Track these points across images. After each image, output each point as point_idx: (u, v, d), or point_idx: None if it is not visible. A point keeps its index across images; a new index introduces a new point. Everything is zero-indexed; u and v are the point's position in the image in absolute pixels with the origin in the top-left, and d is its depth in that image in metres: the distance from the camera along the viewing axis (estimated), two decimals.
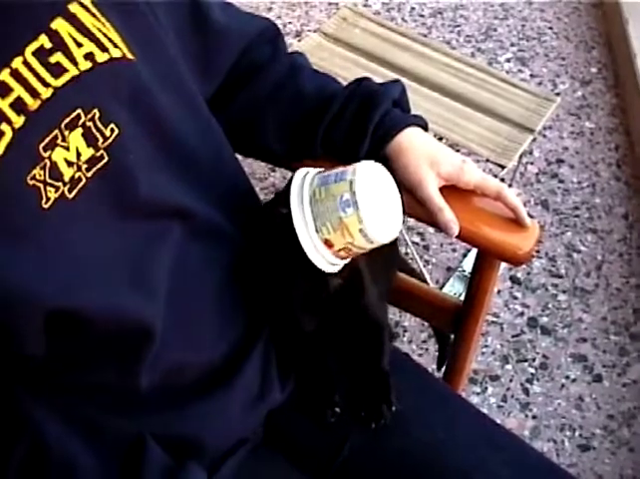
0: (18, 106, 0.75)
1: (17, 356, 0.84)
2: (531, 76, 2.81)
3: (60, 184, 0.78)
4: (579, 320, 2.11)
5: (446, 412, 1.10)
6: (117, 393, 0.91)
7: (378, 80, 1.13)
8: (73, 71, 0.80)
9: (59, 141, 0.78)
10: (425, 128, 1.09)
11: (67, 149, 0.79)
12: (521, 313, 2.13)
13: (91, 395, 0.91)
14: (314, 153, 1.09)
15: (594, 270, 2.23)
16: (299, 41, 2.66)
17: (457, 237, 1.06)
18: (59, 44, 0.79)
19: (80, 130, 0.80)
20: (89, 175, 0.81)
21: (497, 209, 1.07)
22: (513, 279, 2.19)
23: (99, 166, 0.82)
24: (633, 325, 2.10)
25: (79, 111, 0.80)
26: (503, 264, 1.11)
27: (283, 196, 0.88)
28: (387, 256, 1.14)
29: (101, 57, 0.82)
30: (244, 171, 1.07)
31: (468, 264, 2.18)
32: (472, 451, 1.04)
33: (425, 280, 1.95)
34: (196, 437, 0.96)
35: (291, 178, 0.89)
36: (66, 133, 0.79)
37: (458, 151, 1.28)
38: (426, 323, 2.02)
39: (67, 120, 0.79)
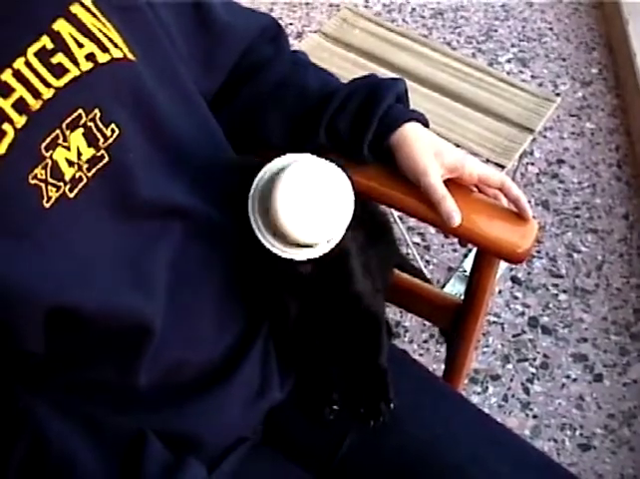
0: (20, 106, 0.76)
1: (17, 354, 0.84)
2: (532, 77, 2.81)
3: (61, 183, 0.79)
4: (580, 320, 2.12)
5: (444, 409, 1.11)
6: (116, 390, 0.92)
7: None
8: (74, 71, 0.80)
9: (60, 140, 0.79)
10: (426, 126, 1.10)
11: (68, 148, 0.80)
12: (522, 313, 2.13)
13: (90, 392, 0.91)
14: (318, 142, 1.09)
15: (595, 270, 2.24)
16: (300, 42, 2.67)
17: (455, 235, 1.07)
18: (60, 45, 0.80)
19: (81, 130, 0.81)
20: (89, 174, 0.82)
21: (497, 206, 1.07)
22: (514, 279, 2.20)
23: (99, 165, 0.83)
24: (633, 325, 2.10)
25: (80, 111, 0.81)
26: (504, 264, 1.11)
27: None
28: (383, 251, 1.14)
29: (102, 57, 0.83)
30: None
31: (468, 265, 2.17)
32: (469, 447, 1.04)
33: (428, 280, 1.96)
34: (195, 434, 0.96)
35: None
36: (67, 133, 0.79)
37: None
38: (427, 323, 2.02)
39: (68, 120, 0.80)
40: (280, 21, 1.16)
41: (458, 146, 1.87)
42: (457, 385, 1.30)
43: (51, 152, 0.78)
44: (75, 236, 0.81)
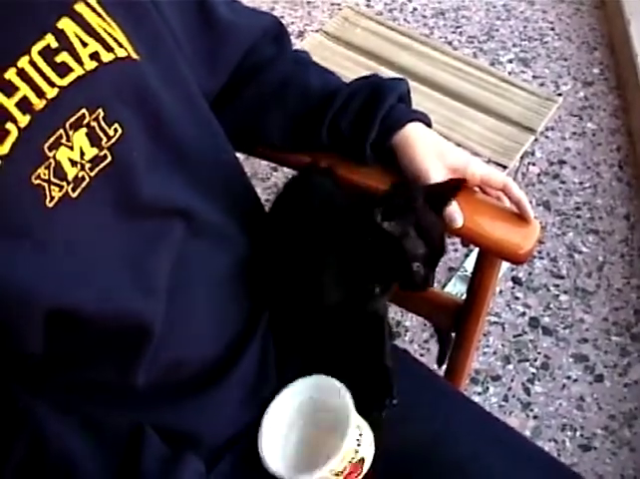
0: (24, 105, 0.76)
1: (16, 354, 0.84)
2: (534, 77, 2.81)
3: (64, 183, 0.79)
4: (580, 321, 2.12)
5: (445, 407, 1.11)
6: (115, 390, 0.92)
7: None
8: (78, 70, 0.80)
9: (63, 140, 0.79)
10: (429, 126, 1.10)
11: (71, 148, 0.80)
12: (523, 314, 2.13)
13: (89, 392, 0.91)
14: (319, 142, 1.09)
15: (595, 271, 2.24)
16: (301, 41, 2.67)
17: (458, 235, 1.07)
18: (65, 43, 0.80)
19: (84, 129, 0.81)
20: (92, 174, 0.82)
21: (499, 207, 1.07)
22: (515, 280, 2.20)
23: (102, 165, 0.82)
24: (634, 326, 2.10)
25: (83, 110, 0.80)
26: (505, 265, 1.11)
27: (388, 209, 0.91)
28: None
29: (106, 57, 0.83)
30: (244, 170, 1.08)
31: (469, 265, 2.18)
32: (470, 445, 1.05)
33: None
34: (194, 431, 0.96)
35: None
36: (70, 132, 0.79)
37: None
38: (427, 323, 2.02)
39: (72, 119, 0.79)
40: (282, 20, 1.16)
41: (459, 146, 1.87)
42: (458, 385, 1.30)
43: (54, 151, 0.78)
44: (77, 236, 0.81)
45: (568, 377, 2.00)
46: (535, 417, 1.91)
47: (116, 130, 0.84)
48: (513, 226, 1.06)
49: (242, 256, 1.02)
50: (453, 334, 1.27)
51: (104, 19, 0.84)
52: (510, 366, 2.02)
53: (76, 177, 0.80)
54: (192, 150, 0.95)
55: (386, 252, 0.93)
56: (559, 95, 2.55)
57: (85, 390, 0.91)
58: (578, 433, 1.89)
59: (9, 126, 0.74)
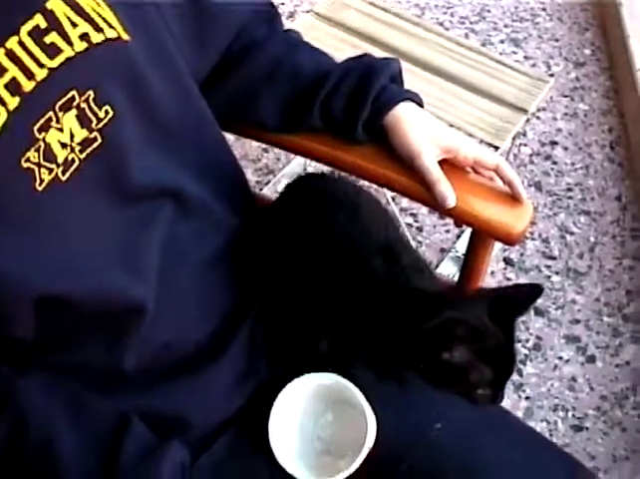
0: (12, 87, 0.75)
1: (5, 338, 0.84)
2: (525, 57, 2.80)
3: (54, 165, 0.78)
4: (572, 302, 2.12)
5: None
6: (103, 373, 0.92)
7: None
8: (68, 52, 0.79)
9: (53, 122, 0.78)
10: (421, 106, 1.10)
11: (61, 130, 0.79)
12: None
13: (77, 374, 0.90)
14: (311, 123, 1.09)
15: (587, 252, 2.24)
16: (292, 22, 2.65)
17: (451, 216, 1.06)
18: (54, 24, 0.79)
19: (74, 111, 0.80)
20: (82, 156, 0.81)
21: (492, 188, 1.07)
22: (507, 261, 2.20)
23: (92, 147, 0.82)
24: (626, 307, 2.11)
25: (73, 92, 0.80)
26: (497, 246, 1.11)
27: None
28: None
29: (96, 38, 0.82)
30: (232, 151, 1.07)
31: (461, 246, 2.18)
32: (461, 426, 1.04)
33: None
34: (182, 415, 0.96)
35: None
36: (60, 114, 0.79)
37: None
38: None
39: (61, 101, 0.79)
40: (272, 1, 1.15)
41: (451, 126, 1.86)
42: None
43: (44, 134, 0.77)
44: (67, 219, 0.81)
45: (560, 358, 2.00)
46: (527, 398, 1.92)
47: (107, 112, 0.83)
48: (506, 206, 1.05)
49: (231, 239, 1.02)
50: None
51: None
52: None
53: (66, 159, 0.79)
54: (181, 130, 0.95)
55: (447, 381, 0.90)
56: (551, 75, 2.54)
57: (72, 373, 0.90)
58: (570, 414, 1.89)
59: None
